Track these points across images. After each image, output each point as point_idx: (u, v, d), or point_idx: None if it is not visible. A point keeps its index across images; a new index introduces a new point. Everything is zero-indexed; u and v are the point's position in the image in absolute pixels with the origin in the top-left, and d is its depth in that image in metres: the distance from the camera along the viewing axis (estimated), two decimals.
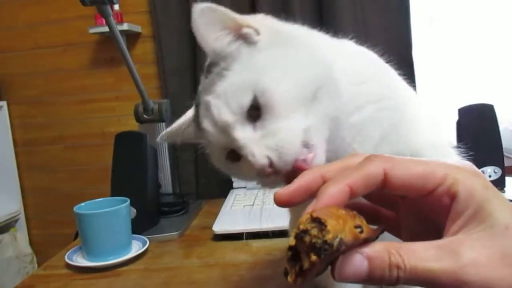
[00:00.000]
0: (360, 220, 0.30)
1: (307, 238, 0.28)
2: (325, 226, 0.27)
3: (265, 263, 0.81)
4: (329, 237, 0.27)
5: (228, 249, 0.90)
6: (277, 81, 0.42)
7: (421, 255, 0.28)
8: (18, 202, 1.63)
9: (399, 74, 0.55)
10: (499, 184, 1.07)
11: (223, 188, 1.25)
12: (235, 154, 0.45)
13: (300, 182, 0.34)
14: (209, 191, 1.34)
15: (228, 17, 0.45)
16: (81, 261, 0.87)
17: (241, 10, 0.47)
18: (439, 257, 0.28)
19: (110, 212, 0.85)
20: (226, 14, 0.45)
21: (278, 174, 0.41)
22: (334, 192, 0.31)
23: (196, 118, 0.48)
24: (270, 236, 0.86)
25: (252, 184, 1.23)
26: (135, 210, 0.96)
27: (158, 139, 0.55)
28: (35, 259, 1.64)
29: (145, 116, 1.14)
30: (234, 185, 1.23)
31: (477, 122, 1.09)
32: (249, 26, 0.46)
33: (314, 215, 0.28)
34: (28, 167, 1.62)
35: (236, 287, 0.73)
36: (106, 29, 1.38)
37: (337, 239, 0.27)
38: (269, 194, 1.11)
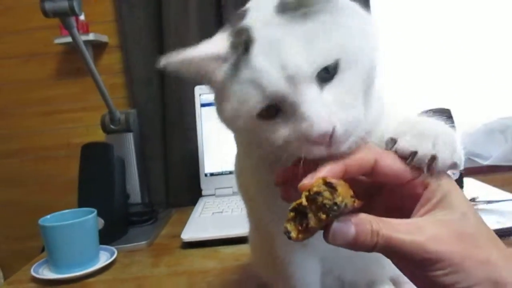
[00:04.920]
0: (353, 193, 0.36)
1: (320, 199, 0.33)
2: (336, 190, 0.33)
3: (233, 268, 0.82)
4: (339, 200, 0.33)
5: (196, 256, 0.90)
6: (364, 51, 0.38)
7: (396, 227, 0.35)
8: None
9: None
10: (458, 184, 1.11)
11: (193, 196, 1.25)
12: (270, 111, 0.38)
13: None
14: (179, 200, 1.34)
15: None
16: (47, 274, 0.86)
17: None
18: (409, 231, 0.35)
19: (76, 223, 0.85)
20: None
21: (326, 147, 0.37)
22: (331, 168, 0.37)
23: (238, 54, 0.38)
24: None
25: (222, 191, 1.22)
26: (102, 221, 0.96)
27: (164, 62, 0.40)
28: (1, 274, 1.60)
29: (112, 126, 1.14)
30: (203, 192, 1.24)
31: None
32: None
33: (327, 180, 0.34)
34: None
35: None
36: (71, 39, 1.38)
37: (344, 203, 0.33)
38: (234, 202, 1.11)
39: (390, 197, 0.41)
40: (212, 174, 1.24)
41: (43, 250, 1.12)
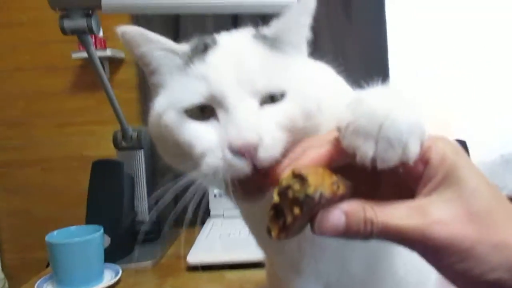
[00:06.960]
0: (336, 178, 0.32)
1: (290, 193, 0.30)
2: (307, 180, 0.30)
3: None
4: (310, 190, 0.29)
5: (202, 280, 0.89)
6: (310, 97, 0.40)
7: (393, 213, 0.30)
8: None
9: None
10: None
11: (202, 216, 1.24)
12: (202, 113, 0.39)
13: (292, 156, 0.35)
14: (187, 219, 1.33)
15: None
16: None
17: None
18: (408, 215, 0.30)
19: (82, 241, 0.84)
20: None
21: (248, 160, 0.35)
22: (314, 155, 0.33)
23: (196, 50, 0.41)
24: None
25: (229, 212, 1.20)
26: (109, 238, 0.95)
27: (123, 29, 0.42)
28: (7, 284, 1.60)
29: (123, 143, 1.14)
30: (212, 213, 1.23)
31: None
32: None
33: (296, 171, 0.30)
34: (3, 189, 1.60)
35: None
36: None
37: (318, 193, 0.29)
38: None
39: (394, 179, 0.34)
40: (220, 195, 1.23)
41: (48, 264, 1.12)
